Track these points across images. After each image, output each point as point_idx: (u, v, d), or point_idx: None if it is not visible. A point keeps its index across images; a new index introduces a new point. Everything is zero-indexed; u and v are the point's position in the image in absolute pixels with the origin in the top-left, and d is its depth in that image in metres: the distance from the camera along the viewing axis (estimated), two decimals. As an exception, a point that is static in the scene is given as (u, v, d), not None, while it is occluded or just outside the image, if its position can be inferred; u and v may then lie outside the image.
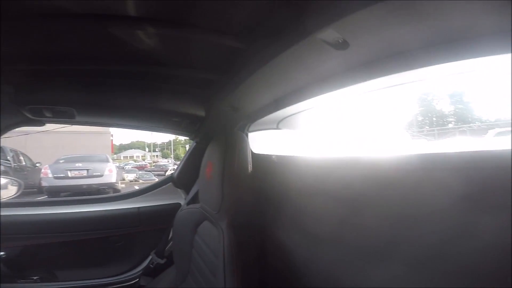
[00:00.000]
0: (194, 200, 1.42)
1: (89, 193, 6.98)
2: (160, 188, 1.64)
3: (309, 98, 0.81)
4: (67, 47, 0.80)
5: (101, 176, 7.24)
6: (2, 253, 1.31)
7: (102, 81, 1.02)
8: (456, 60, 0.48)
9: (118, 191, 7.70)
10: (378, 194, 0.62)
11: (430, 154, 0.56)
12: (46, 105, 1.06)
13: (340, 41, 0.54)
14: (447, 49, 0.48)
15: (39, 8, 0.62)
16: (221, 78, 0.96)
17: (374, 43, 0.54)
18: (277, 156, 1.02)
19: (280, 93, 0.91)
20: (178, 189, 1.64)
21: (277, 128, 1.31)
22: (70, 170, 6.96)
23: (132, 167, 20.07)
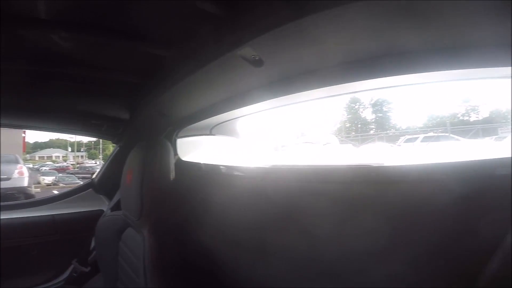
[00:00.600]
0: (118, 206, 1.33)
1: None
2: (80, 194, 1.54)
3: (234, 109, 0.88)
4: None
5: (8, 179, 6.15)
6: None
7: (8, 80, 0.93)
8: (359, 80, 0.57)
9: (31, 196, 6.65)
10: (294, 204, 0.68)
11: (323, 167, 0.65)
12: None
13: (256, 58, 0.59)
14: (354, 69, 0.56)
15: None
16: (147, 83, 0.96)
17: (287, 62, 0.61)
18: (205, 164, 1.05)
19: (207, 102, 0.94)
20: (100, 195, 1.56)
21: (211, 134, 1.34)
22: (-34, 172, 5.71)
23: (50, 169, 17.57)
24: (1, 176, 6.07)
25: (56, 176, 13.66)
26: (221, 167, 1.00)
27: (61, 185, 12.48)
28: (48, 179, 12.86)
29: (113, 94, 1.09)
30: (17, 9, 0.61)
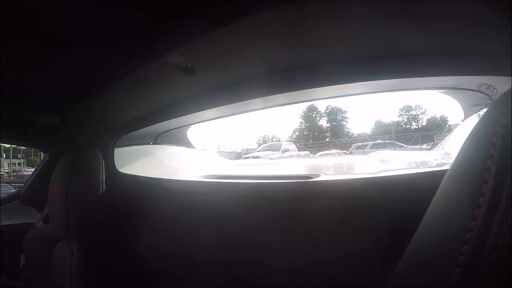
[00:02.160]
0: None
1: None
2: (5, 206, 1.43)
3: (174, 117, 0.87)
4: None
5: None
6: None
7: None
8: (290, 91, 0.59)
9: None
10: (223, 218, 0.70)
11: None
12: None
13: (188, 66, 0.59)
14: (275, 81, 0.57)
15: None
16: (77, 88, 0.91)
17: (220, 70, 0.62)
18: (144, 177, 1.01)
19: (145, 109, 0.92)
20: (28, 207, 1.45)
21: (155, 142, 1.28)
22: None
23: (-23, 179, 15.46)
24: None
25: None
26: (158, 180, 0.96)
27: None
28: None
29: (40, 99, 1.01)
30: None
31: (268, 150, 3.45)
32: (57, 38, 0.68)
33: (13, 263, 1.32)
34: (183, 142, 1.31)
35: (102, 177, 0.83)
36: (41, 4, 0.57)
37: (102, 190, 0.82)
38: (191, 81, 0.64)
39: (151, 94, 0.81)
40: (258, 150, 3.56)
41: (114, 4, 0.54)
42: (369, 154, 2.13)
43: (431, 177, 0.53)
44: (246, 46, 0.50)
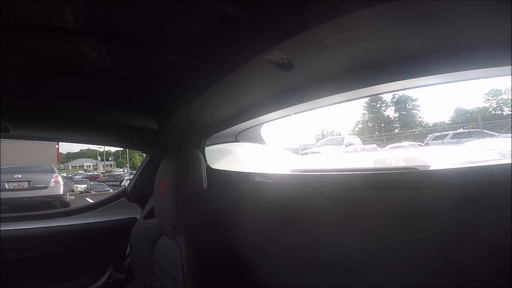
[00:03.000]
0: (151, 214, 1.36)
1: (32, 206, 6.23)
2: (114, 202, 1.58)
3: (262, 114, 0.86)
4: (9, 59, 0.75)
5: (45, 188, 6.55)
6: None
7: (38, 92, 0.96)
8: (391, 82, 0.56)
9: (67, 203, 7.03)
10: (326, 210, 0.67)
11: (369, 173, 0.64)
12: None
13: (286, 61, 0.58)
14: (380, 71, 0.55)
15: None
16: (174, 92, 0.97)
17: (315, 65, 0.60)
18: (235, 172, 1.05)
19: (235, 109, 0.94)
20: (133, 203, 1.59)
21: (236, 140, 1.34)
22: (8, 182, 6.18)
23: (82, 178, 18.50)
24: (39, 185, 6.49)
25: (88, 184, 14.33)
26: (249, 174, 0.97)
27: (93, 192, 13.08)
28: (81, 187, 13.40)
29: (142, 105, 1.12)
30: (45, 20, 0.62)
31: (329, 144, 3.26)
32: (160, 43, 0.72)
33: (119, 256, 1.47)
34: (258, 139, 1.34)
35: (204, 173, 0.87)
36: (141, 8, 0.59)
37: (205, 186, 0.86)
38: (285, 76, 0.63)
39: (242, 93, 0.82)
40: (318, 145, 3.42)
41: (215, 5, 0.55)
42: (457, 145, 1.86)
43: None
44: (346, 39, 0.49)
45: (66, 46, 0.71)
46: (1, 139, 1.24)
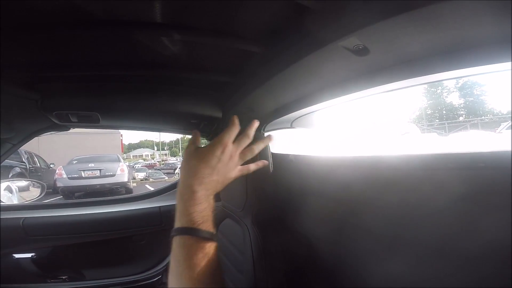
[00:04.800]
0: (217, 198, 1.43)
1: (102, 193, 7.09)
2: (175, 190, 1.68)
3: (327, 100, 0.84)
4: (91, 54, 0.83)
5: (113, 175, 7.37)
6: (32, 254, 1.38)
7: (124, 86, 1.07)
8: (470, 67, 0.51)
9: (130, 189, 7.84)
10: (380, 194, 0.64)
11: (431, 154, 0.58)
12: (71, 110, 1.11)
13: (360, 47, 0.56)
14: (459, 56, 0.51)
15: (63, 15, 0.64)
16: (237, 81, 1.00)
17: (393, 50, 0.57)
18: (294, 155, 1.04)
19: (297, 95, 0.93)
20: None
21: (291, 127, 1.33)
22: (84, 170, 7.10)
23: (142, 166, 20.34)
24: (108, 173, 7.35)
25: (146, 172, 15.72)
26: (313, 157, 0.95)
27: (151, 179, 14.34)
28: (141, 175, 14.71)
29: (209, 94, 1.16)
30: (132, 13, 0.66)
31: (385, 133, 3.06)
32: (228, 31, 0.72)
33: None
34: (315, 125, 1.30)
35: (270, 157, 0.89)
36: None
37: (271, 170, 0.87)
38: (359, 61, 0.61)
39: (307, 80, 0.80)
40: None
41: None
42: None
43: None
44: (432, 24, 0.47)
45: (150, 41, 0.75)
46: (75, 132, 1.39)
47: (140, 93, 1.11)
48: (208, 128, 1.34)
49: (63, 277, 1.44)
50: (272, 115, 1.15)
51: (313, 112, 1.17)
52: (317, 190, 0.87)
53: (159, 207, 1.55)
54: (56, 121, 1.18)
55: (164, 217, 1.54)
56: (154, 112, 1.19)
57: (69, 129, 1.30)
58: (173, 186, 1.69)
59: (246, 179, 0.84)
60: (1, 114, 1.05)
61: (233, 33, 0.73)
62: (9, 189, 1.64)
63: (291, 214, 0.94)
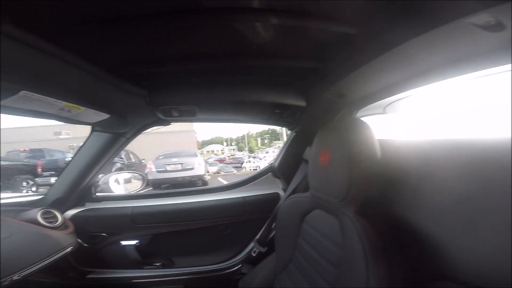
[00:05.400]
0: (298, 189, 1.40)
1: (184, 185, 7.81)
2: (262, 178, 1.68)
3: (428, 83, 0.74)
4: (191, 46, 0.83)
5: (192, 169, 8.06)
6: (137, 241, 1.50)
7: (217, 78, 1.06)
8: None
9: (206, 182, 8.50)
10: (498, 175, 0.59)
11: None
12: (174, 105, 1.15)
13: (492, 23, 0.50)
14: None
15: (161, 7, 0.64)
16: (325, 66, 0.94)
17: None
18: (399, 140, 0.93)
19: (400, 78, 0.85)
20: (276, 179, 1.64)
21: (384, 112, 1.21)
22: (169, 164, 7.95)
23: (214, 160, 21.83)
24: (187, 167, 8.08)
25: (218, 166, 16.84)
26: (421, 144, 0.87)
27: (222, 173, 15.34)
28: (213, 169, 15.68)
29: (293, 83, 1.13)
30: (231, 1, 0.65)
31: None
32: (319, 14, 0.68)
33: (265, 230, 1.49)
34: (411, 110, 1.17)
35: (376, 144, 0.82)
36: None
37: (378, 156, 0.80)
38: (492, 37, 0.56)
39: (412, 62, 0.75)
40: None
41: None
42: None
43: None
44: None
45: (246, 28, 0.73)
46: (158, 131, 1.48)
47: (232, 84, 1.11)
48: (290, 118, 1.32)
49: (157, 264, 1.52)
50: (364, 100, 1.07)
51: (407, 97, 1.04)
52: (436, 178, 0.77)
53: (244, 197, 1.58)
54: (160, 116, 1.23)
55: (247, 207, 1.56)
56: (242, 103, 1.19)
57: (169, 123, 1.36)
58: (255, 177, 1.70)
59: (351, 167, 0.77)
60: (118, 110, 1.12)
61: (329, 16, 0.69)
62: (117, 181, 1.77)
63: (403, 205, 0.84)
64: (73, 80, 0.82)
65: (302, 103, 1.20)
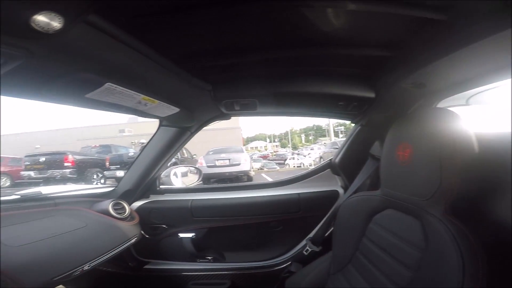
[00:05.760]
0: (363, 186, 1.31)
1: (231, 180, 8.11)
2: (319, 174, 1.61)
3: None
4: (256, 36, 0.81)
5: (239, 164, 8.28)
6: (193, 234, 1.53)
7: (279, 70, 1.03)
8: None
9: (251, 177, 8.66)
10: None
11: None
12: (235, 98, 1.15)
13: None
14: None
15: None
16: (403, 54, 0.87)
17: None
18: (495, 132, 0.83)
19: (490, 68, 0.77)
20: (335, 176, 1.57)
21: (467, 104, 1.09)
22: (217, 160, 8.27)
23: (257, 157, 22.04)
24: (235, 162, 8.30)
25: (261, 162, 16.94)
26: None
27: (265, 169, 15.40)
28: (257, 165, 15.78)
29: (361, 73, 1.07)
30: None
31: None
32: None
33: (320, 229, 1.41)
34: (500, 103, 1.03)
35: (473, 137, 0.74)
36: None
37: (475, 150, 0.73)
38: None
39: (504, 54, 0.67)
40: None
41: None
42: None
43: None
44: None
45: (315, 15, 0.70)
46: (206, 128, 1.44)
47: (294, 76, 1.07)
48: (356, 110, 1.23)
49: (209, 258, 1.54)
50: (447, 90, 0.95)
51: (494, 88, 0.91)
52: None
53: (298, 194, 1.52)
54: (223, 110, 1.24)
55: (302, 204, 1.51)
56: (304, 95, 1.14)
57: (230, 118, 1.37)
58: (311, 173, 1.63)
59: (441, 162, 0.70)
60: (186, 104, 1.13)
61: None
62: (175, 174, 1.84)
63: (502, 203, 0.75)
64: (150, 74, 0.84)
65: (370, 94, 1.12)
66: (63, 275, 0.89)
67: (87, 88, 0.74)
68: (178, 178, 1.84)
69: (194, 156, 10.56)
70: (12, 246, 0.82)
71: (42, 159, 8.29)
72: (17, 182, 8.78)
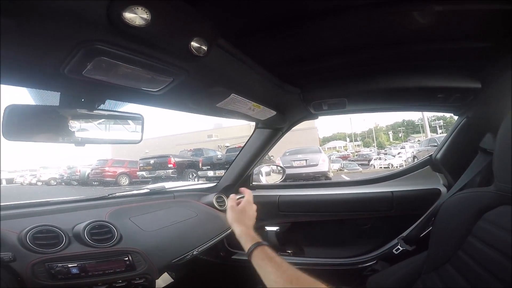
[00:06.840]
0: (472, 183, 1.20)
1: (307, 180, 8.08)
2: (416, 172, 1.51)
3: None
4: (345, 40, 0.83)
5: (316, 165, 8.18)
6: (277, 228, 1.60)
7: (370, 67, 1.03)
8: None
9: (329, 179, 8.35)
10: None
11: None
12: (324, 99, 1.18)
13: None
14: None
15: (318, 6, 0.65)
16: (504, 43, 0.83)
17: None
18: None
19: None
20: (436, 173, 1.45)
21: None
22: (294, 160, 8.36)
23: (336, 157, 21.09)
24: (312, 163, 8.24)
25: (341, 163, 16.15)
26: None
27: (345, 170, 14.57)
28: (336, 166, 15.04)
29: (462, 64, 1.01)
30: None
31: None
32: None
33: (416, 227, 1.33)
34: None
35: None
36: None
37: None
38: None
39: None
40: None
41: None
42: None
43: None
44: None
45: (398, 17, 0.71)
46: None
47: (386, 72, 1.06)
48: (459, 101, 1.17)
49: (289, 252, 1.58)
50: None
51: None
52: None
53: (392, 192, 1.46)
54: (312, 111, 1.29)
55: (396, 202, 1.43)
56: (397, 90, 1.12)
57: (317, 117, 1.42)
58: (408, 171, 1.54)
59: None
60: (281, 107, 1.21)
61: None
62: (261, 173, 1.96)
63: None
64: (256, 84, 0.94)
65: (475, 84, 1.05)
66: (179, 258, 1.01)
67: (218, 99, 0.89)
68: (263, 176, 1.96)
69: (271, 157, 10.97)
70: (147, 231, 0.99)
71: (152, 161, 9.93)
72: (133, 181, 10.51)
